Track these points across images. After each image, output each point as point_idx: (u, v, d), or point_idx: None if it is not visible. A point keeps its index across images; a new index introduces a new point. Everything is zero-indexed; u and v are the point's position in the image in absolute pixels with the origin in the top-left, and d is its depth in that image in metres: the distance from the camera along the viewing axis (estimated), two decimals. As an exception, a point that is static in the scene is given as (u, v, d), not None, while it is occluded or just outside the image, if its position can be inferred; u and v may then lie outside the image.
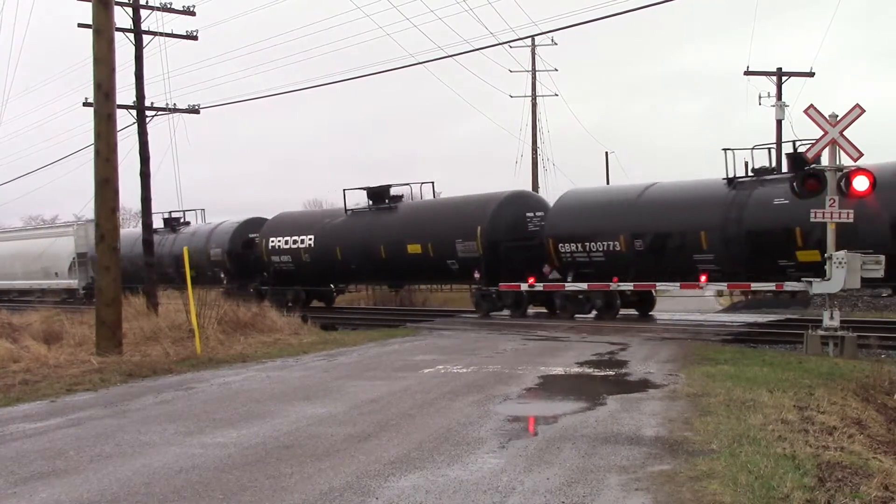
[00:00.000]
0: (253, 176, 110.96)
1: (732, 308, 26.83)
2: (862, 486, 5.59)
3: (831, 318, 13.62)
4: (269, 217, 29.91)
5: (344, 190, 26.16)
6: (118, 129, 14.74)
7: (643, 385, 9.98)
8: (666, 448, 6.64)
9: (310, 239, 26.27)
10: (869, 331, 15.29)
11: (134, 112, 21.47)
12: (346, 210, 26.08)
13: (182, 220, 33.36)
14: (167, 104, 22.75)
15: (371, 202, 25.80)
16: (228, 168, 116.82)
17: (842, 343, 13.31)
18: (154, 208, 22.88)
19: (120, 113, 16.66)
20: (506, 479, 5.82)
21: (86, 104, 21.13)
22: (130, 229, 36.46)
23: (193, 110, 23.89)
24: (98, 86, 14.02)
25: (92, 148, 14.28)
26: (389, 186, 25.64)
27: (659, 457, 6.37)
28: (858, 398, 9.54)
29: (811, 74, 31.50)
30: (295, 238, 26.80)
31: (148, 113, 21.81)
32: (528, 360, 12.50)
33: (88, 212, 37.02)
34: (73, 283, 37.22)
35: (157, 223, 31.51)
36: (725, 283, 18.10)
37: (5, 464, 6.65)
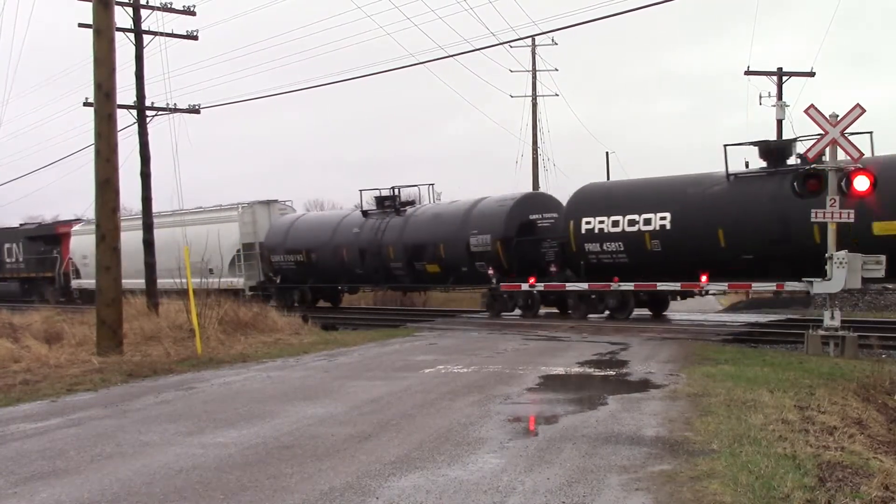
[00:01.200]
0: (249, 176, 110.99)
1: (733, 308, 26.84)
2: (862, 486, 5.59)
3: (832, 318, 13.62)
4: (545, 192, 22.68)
5: (725, 146, 18.37)
6: (119, 129, 14.75)
7: (644, 385, 9.98)
8: (666, 448, 6.64)
9: (662, 218, 18.73)
10: (870, 331, 15.28)
11: (134, 112, 21.47)
12: (727, 175, 18.31)
13: (397, 199, 25.51)
14: (167, 104, 22.75)
15: (767, 163, 18.19)
16: (225, 168, 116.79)
17: (842, 343, 13.30)
18: (155, 208, 22.85)
19: (120, 113, 16.68)
20: (506, 479, 5.82)
21: (86, 104, 21.13)
22: (330, 211, 28.78)
23: (194, 110, 23.88)
24: (98, 86, 14.03)
25: (92, 148, 14.30)
26: (794, 140, 18.31)
27: (659, 457, 6.37)
28: (859, 398, 9.54)
29: (811, 74, 31.52)
30: (632, 217, 19.30)
31: (148, 113, 21.82)
32: (528, 360, 12.50)
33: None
34: (237, 281, 28.67)
35: (367, 203, 26.25)
36: (726, 283, 18.08)
37: (6, 464, 6.65)
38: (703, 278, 17.96)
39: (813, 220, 13.77)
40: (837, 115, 13.36)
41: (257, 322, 17.97)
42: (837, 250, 13.63)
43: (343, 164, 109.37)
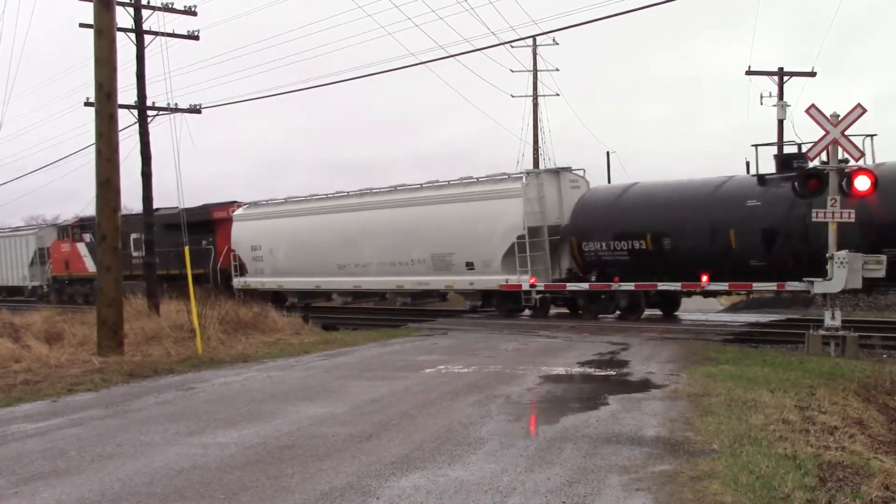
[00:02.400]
0: (247, 175, 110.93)
1: (733, 308, 26.81)
2: (863, 486, 5.59)
3: (833, 318, 13.61)
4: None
5: None
6: (119, 128, 14.76)
7: (644, 385, 9.98)
8: (667, 448, 6.64)
9: None
10: (870, 331, 15.27)
11: (135, 112, 21.48)
12: None
13: (796, 161, 16.84)
14: (168, 104, 22.76)
15: None
16: (220, 167, 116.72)
17: (843, 343, 13.30)
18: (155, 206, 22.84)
19: (121, 113, 16.68)
20: (507, 480, 5.82)
21: (87, 104, 21.16)
22: (685, 179, 19.25)
23: (195, 110, 23.88)
24: (100, 86, 14.05)
25: (93, 148, 14.32)
26: None
27: (660, 457, 6.37)
28: (860, 398, 9.54)
29: (812, 74, 31.53)
30: None
31: (149, 113, 21.83)
32: (529, 360, 12.50)
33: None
34: (518, 279, 20.29)
35: (765, 166, 17.94)
36: (727, 283, 18.05)
37: (7, 464, 6.66)
38: None
39: (814, 219, 13.75)
40: (838, 115, 13.36)
41: (258, 322, 17.99)
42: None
43: (340, 163, 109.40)
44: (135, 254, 30.91)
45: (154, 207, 31.80)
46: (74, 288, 36.02)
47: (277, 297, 26.47)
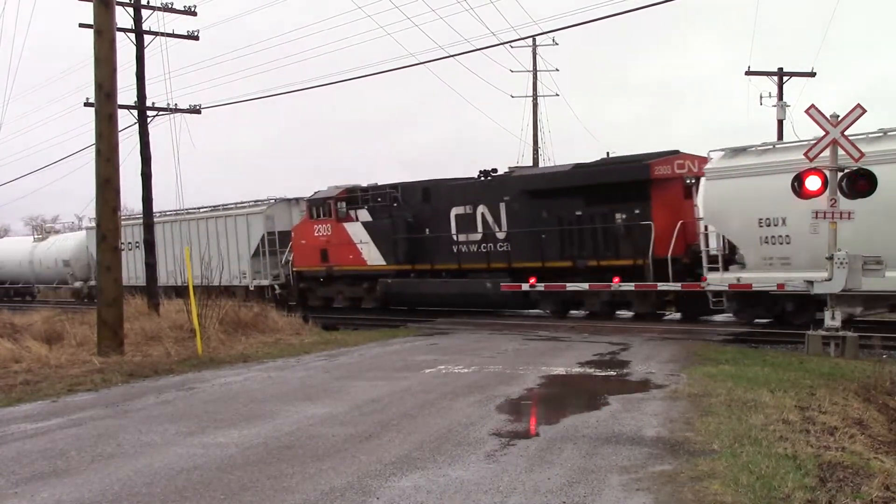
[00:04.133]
0: (239, 176, 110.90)
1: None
2: (863, 486, 5.59)
3: (833, 318, 13.59)
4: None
5: None
6: (119, 129, 14.76)
7: (644, 385, 9.98)
8: (667, 448, 6.64)
9: None
10: (871, 331, 15.25)
11: (135, 112, 21.47)
12: None
13: None
14: (168, 104, 22.75)
15: None
16: (215, 168, 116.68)
17: (843, 343, 13.28)
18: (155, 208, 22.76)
19: (121, 113, 16.67)
20: (507, 480, 5.82)
21: (87, 104, 21.14)
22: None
23: (195, 110, 23.86)
24: (99, 86, 14.04)
25: (93, 149, 14.32)
26: None
27: (660, 457, 6.37)
28: (860, 398, 9.53)
29: (812, 74, 31.55)
30: None
31: (149, 113, 21.82)
32: (529, 360, 12.50)
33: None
34: None
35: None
36: (727, 284, 18.03)
37: (7, 464, 6.66)
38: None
39: (813, 220, 13.73)
40: (838, 116, 13.34)
41: (258, 322, 17.98)
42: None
43: (339, 163, 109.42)
44: (460, 237, 21.58)
45: (511, 166, 22.22)
46: (336, 287, 25.17)
47: (802, 307, 16.42)
